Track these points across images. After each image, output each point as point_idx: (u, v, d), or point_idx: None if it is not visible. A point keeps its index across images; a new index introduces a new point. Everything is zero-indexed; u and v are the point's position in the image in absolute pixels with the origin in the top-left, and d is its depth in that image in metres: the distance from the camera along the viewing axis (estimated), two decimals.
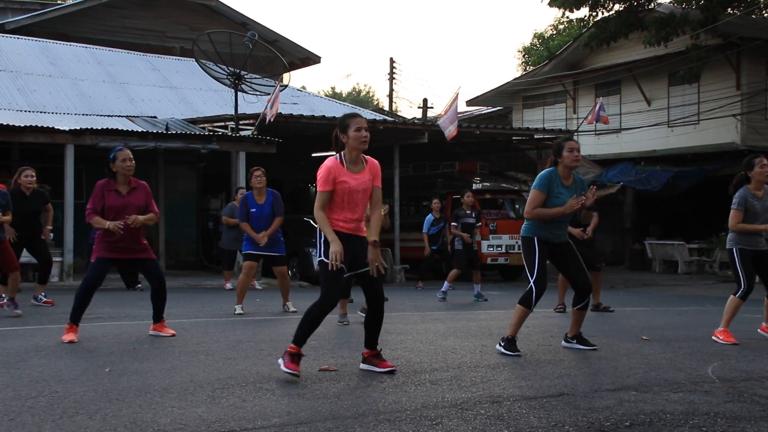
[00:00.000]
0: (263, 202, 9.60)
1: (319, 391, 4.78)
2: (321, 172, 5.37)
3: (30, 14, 24.98)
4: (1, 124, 14.91)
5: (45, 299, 10.43)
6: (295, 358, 5.16)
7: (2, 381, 4.99)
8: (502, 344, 6.32)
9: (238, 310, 9.59)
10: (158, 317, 7.33)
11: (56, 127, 15.33)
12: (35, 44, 22.30)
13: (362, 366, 5.47)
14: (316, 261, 17.86)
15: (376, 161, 5.55)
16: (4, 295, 10.23)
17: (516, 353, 6.18)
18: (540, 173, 6.48)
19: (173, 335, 7.18)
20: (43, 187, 11.17)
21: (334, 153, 5.50)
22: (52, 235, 10.73)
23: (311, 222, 6.16)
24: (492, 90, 29.01)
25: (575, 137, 16.11)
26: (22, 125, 15.05)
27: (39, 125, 15.34)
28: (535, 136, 21.05)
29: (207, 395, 4.61)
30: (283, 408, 4.31)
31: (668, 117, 24.37)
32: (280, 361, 5.19)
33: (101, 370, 5.38)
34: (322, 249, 5.36)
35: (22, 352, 6.20)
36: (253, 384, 4.93)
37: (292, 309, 9.72)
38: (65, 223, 15.16)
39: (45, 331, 7.69)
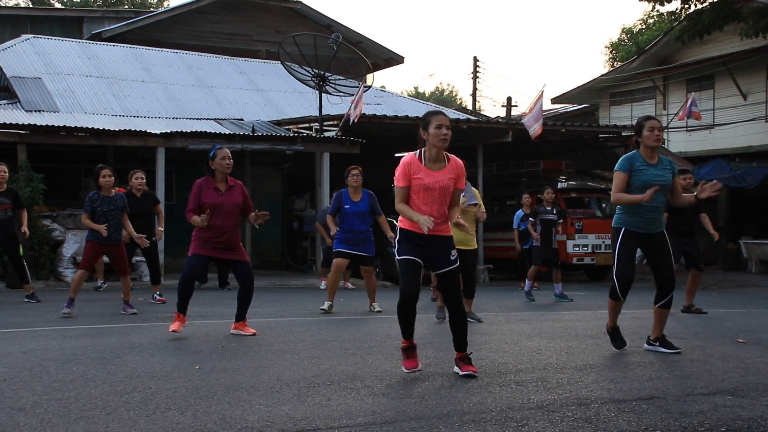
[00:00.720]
0: (359, 199, 9.76)
1: (404, 390, 4.78)
2: (398, 168, 5.40)
3: (125, 22, 26.02)
4: (99, 129, 15.57)
5: (159, 297, 10.91)
6: (408, 352, 5.33)
7: (100, 376, 5.19)
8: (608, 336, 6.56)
9: (324, 306, 9.71)
10: (241, 316, 7.47)
11: (148, 131, 15.89)
12: (129, 51, 23.15)
13: (455, 368, 5.42)
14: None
15: (460, 161, 5.45)
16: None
17: (619, 346, 6.36)
18: (622, 156, 6.46)
19: (254, 334, 7.29)
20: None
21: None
22: (162, 237, 11.22)
23: (394, 222, 6.18)
24: (578, 87, 28.48)
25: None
26: (117, 129, 15.69)
27: (132, 129, 15.96)
28: (623, 134, 20.54)
29: (293, 393, 4.67)
30: (367, 407, 4.33)
31: (766, 111, 23.38)
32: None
33: (191, 368, 5.53)
34: (397, 247, 5.41)
35: (117, 348, 6.43)
36: (338, 383, 4.97)
37: (377, 309, 9.79)
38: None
39: (138, 328, 7.96)
